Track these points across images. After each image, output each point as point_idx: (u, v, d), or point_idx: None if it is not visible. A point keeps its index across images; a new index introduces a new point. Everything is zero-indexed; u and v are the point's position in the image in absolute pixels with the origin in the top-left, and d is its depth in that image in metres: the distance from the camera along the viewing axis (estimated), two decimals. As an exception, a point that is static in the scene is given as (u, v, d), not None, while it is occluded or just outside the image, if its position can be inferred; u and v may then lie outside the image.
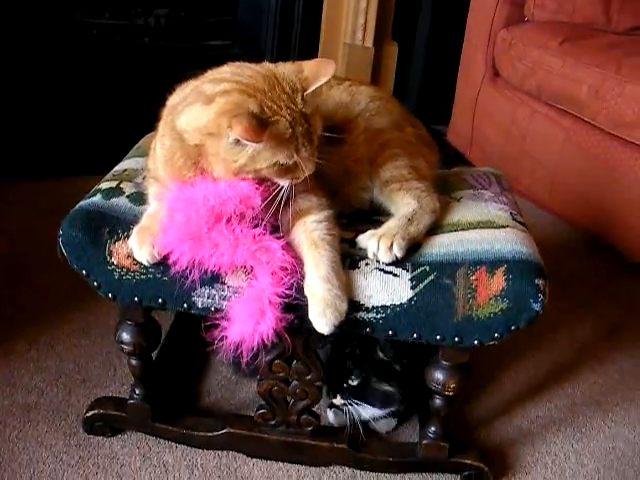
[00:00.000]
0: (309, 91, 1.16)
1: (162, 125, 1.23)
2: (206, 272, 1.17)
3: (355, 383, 1.48)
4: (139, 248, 1.19)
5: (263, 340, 1.16)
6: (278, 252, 1.16)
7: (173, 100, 1.23)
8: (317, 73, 1.17)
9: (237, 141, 1.09)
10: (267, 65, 1.20)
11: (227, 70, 1.20)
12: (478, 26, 2.82)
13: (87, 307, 1.83)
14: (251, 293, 1.17)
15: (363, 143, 1.36)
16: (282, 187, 1.17)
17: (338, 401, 1.50)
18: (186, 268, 1.16)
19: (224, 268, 1.17)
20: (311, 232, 1.21)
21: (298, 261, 1.18)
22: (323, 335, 1.18)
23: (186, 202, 1.16)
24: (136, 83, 2.73)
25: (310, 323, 1.17)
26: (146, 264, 1.20)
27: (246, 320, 1.16)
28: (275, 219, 1.22)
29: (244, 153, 1.11)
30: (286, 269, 1.16)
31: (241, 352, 1.17)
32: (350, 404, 1.49)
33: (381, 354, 1.47)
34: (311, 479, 1.44)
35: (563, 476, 1.51)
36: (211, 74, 1.21)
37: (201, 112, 1.13)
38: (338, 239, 1.23)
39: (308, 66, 1.18)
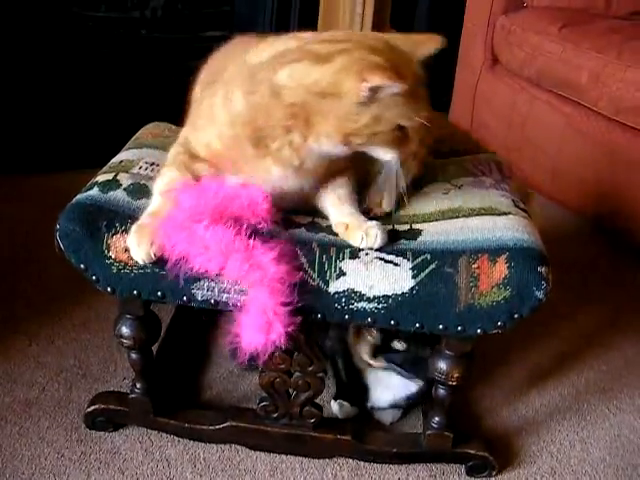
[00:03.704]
0: (420, 56, 1.16)
1: (243, 82, 1.16)
2: (191, 270, 1.15)
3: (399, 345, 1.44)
4: (137, 246, 1.16)
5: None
6: (271, 268, 1.12)
7: (251, 60, 1.18)
8: (426, 41, 1.17)
9: (364, 100, 1.06)
10: (373, 32, 1.19)
11: (334, 34, 1.18)
12: (477, 13, 2.80)
13: (87, 301, 1.82)
14: (254, 307, 1.14)
15: None
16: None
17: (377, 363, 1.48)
18: (176, 262, 1.14)
19: (211, 272, 1.15)
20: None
21: (294, 265, 1.16)
22: (325, 326, 1.16)
23: (196, 190, 1.15)
24: (133, 75, 2.72)
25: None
26: (141, 263, 1.18)
27: (256, 334, 1.14)
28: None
29: (367, 113, 1.08)
30: (283, 279, 1.14)
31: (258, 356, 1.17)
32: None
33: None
34: (315, 471, 1.43)
35: (569, 464, 1.50)
36: (309, 36, 1.17)
37: (311, 69, 1.09)
38: None
39: (416, 36, 1.19)
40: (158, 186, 1.23)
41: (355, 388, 1.54)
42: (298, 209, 1.29)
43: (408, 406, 1.56)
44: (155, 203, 1.21)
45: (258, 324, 1.13)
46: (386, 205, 1.31)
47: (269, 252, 1.13)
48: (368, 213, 1.29)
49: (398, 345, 1.43)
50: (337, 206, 1.27)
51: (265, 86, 1.12)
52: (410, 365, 1.46)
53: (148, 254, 1.16)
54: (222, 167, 1.21)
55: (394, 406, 1.54)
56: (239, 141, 1.17)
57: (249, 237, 1.13)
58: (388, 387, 1.51)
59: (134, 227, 1.18)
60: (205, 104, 1.24)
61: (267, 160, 1.17)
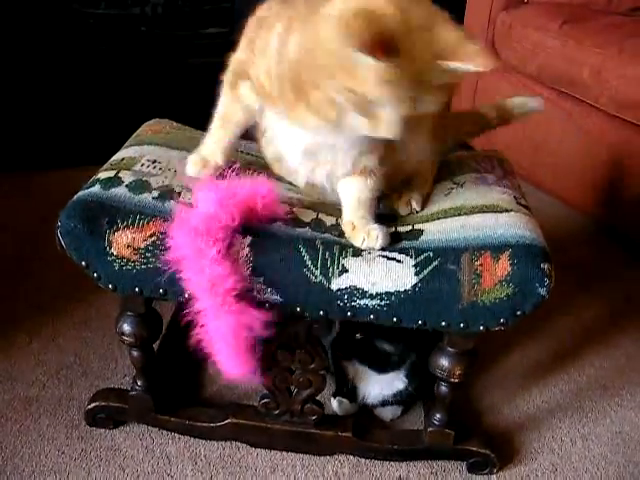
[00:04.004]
0: (452, 64, 1.00)
1: (303, 23, 1.08)
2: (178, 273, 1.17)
3: (359, 336, 1.44)
4: (193, 164, 1.29)
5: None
6: (226, 333, 1.15)
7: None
8: (477, 56, 1.01)
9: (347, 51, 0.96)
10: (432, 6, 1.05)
11: None
12: (477, 9, 2.79)
13: (88, 298, 1.82)
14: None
15: None
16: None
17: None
18: (171, 259, 1.15)
19: (186, 289, 1.18)
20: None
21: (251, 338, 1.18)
22: (327, 323, 1.17)
23: (215, 194, 1.16)
24: (133, 72, 2.71)
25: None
26: (190, 174, 1.28)
27: (230, 365, 1.19)
28: None
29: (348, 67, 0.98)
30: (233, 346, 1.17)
31: None
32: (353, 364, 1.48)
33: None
34: (315, 468, 1.43)
35: (570, 461, 1.50)
36: None
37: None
38: None
39: (471, 44, 1.02)
40: (219, 110, 1.30)
41: (347, 384, 1.54)
42: (320, 183, 1.31)
43: (407, 403, 1.56)
44: (217, 121, 1.31)
45: (239, 361, 1.18)
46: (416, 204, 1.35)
47: (231, 324, 1.15)
48: (393, 216, 1.34)
49: (358, 336, 1.44)
50: (353, 208, 1.27)
51: (312, 24, 1.04)
52: (372, 359, 1.47)
53: (198, 173, 1.28)
54: (264, 98, 1.20)
55: (385, 402, 1.54)
56: (282, 82, 1.11)
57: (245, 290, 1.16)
58: (373, 384, 1.51)
59: (195, 155, 1.31)
60: (263, 34, 1.17)
61: (303, 107, 1.10)
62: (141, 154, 1.38)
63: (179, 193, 1.27)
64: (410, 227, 1.29)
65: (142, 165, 1.33)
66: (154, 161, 1.35)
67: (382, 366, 1.47)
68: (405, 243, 1.24)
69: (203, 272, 1.13)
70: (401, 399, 1.52)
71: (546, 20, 2.50)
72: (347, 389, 1.53)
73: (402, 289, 1.17)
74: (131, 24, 2.83)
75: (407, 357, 1.47)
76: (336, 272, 1.18)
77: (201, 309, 1.15)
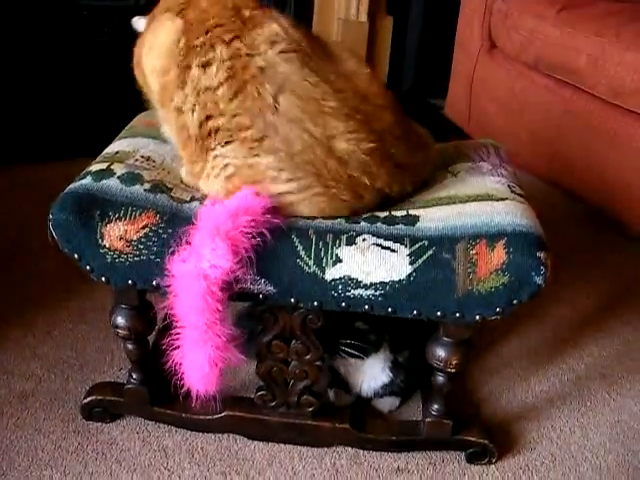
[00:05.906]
0: None
1: None
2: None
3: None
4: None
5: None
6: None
7: None
8: None
9: None
10: None
11: None
12: (474, -3, 2.79)
13: (83, 291, 1.81)
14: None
15: None
16: None
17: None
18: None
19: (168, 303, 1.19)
20: None
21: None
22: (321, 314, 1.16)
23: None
24: (128, 64, 2.70)
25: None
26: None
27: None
28: None
29: None
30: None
31: None
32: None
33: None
34: (313, 460, 1.42)
35: (568, 451, 1.49)
36: None
37: None
38: None
39: None
40: None
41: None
42: None
43: (404, 394, 1.55)
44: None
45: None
46: None
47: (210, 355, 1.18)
48: None
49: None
50: None
51: None
52: (352, 339, 1.45)
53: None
54: None
55: (378, 394, 1.53)
56: None
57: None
58: (362, 377, 1.50)
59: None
60: None
61: None
62: (135, 148, 1.37)
63: (170, 189, 1.26)
64: (405, 212, 1.27)
65: (136, 160, 1.32)
66: (148, 158, 1.35)
67: (363, 346, 1.45)
68: (400, 229, 1.22)
69: (202, 314, 1.15)
70: (393, 391, 1.52)
71: (543, 7, 2.49)
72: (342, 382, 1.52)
73: (397, 279, 1.16)
74: (125, 15, 2.81)
75: (383, 336, 1.46)
76: (330, 262, 1.17)
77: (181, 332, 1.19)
